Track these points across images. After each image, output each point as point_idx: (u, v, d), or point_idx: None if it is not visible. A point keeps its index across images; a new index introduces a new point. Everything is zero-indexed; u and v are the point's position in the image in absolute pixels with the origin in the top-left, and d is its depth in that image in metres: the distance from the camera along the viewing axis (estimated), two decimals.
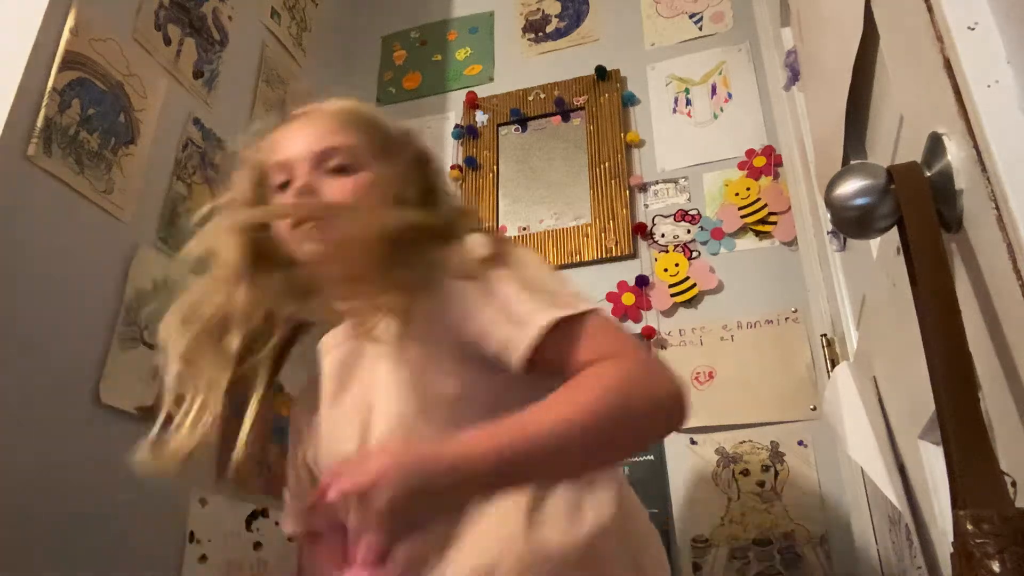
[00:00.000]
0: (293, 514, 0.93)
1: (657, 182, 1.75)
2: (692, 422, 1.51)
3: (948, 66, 0.52)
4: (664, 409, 0.70)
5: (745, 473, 1.45)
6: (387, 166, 0.84)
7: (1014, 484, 0.45)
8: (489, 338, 0.73)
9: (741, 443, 1.47)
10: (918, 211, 0.53)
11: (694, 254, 1.65)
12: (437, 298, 0.76)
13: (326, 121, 0.85)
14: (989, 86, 0.48)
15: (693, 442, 1.50)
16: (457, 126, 1.98)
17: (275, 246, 0.83)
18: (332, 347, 0.85)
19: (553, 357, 0.71)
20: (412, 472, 0.64)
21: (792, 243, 1.58)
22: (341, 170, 0.81)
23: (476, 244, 0.78)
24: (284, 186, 0.83)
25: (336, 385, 0.84)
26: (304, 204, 0.80)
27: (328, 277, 0.81)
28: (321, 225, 0.79)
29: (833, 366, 1.26)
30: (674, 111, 1.81)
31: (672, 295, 1.61)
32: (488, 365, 0.73)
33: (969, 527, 0.43)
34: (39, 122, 1.13)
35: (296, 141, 0.84)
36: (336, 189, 0.80)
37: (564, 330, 0.70)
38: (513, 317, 0.72)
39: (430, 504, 0.66)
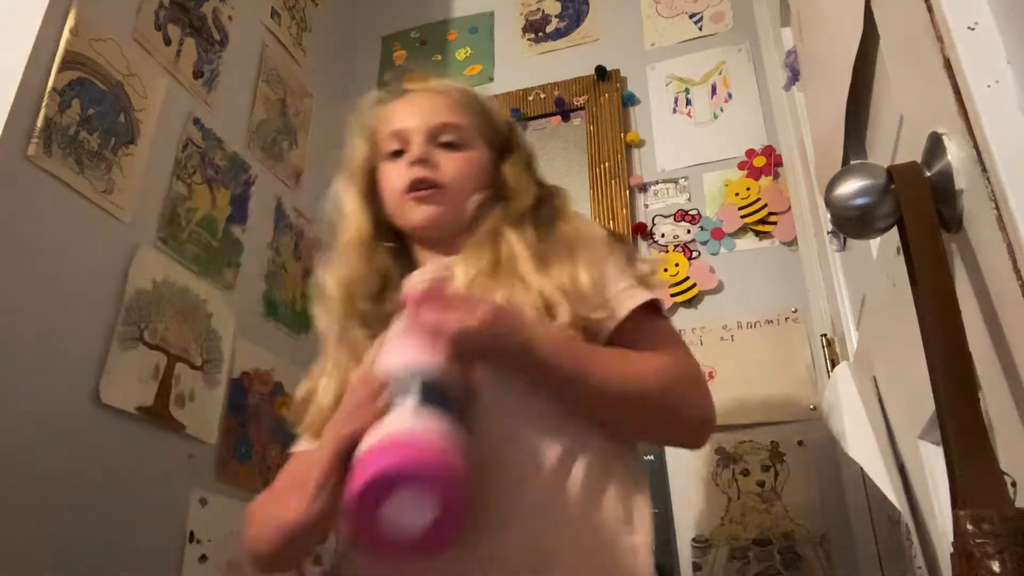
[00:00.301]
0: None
1: (657, 182, 1.75)
2: None
3: (948, 66, 0.52)
4: (690, 401, 0.79)
5: (745, 473, 1.45)
6: (491, 149, 0.93)
7: (1014, 484, 0.45)
8: (597, 299, 0.80)
9: (741, 443, 1.47)
10: (918, 211, 0.53)
11: (694, 254, 1.65)
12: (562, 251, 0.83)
13: (442, 98, 0.92)
14: (989, 86, 0.48)
15: None
16: None
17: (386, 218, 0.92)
18: (419, 280, 0.88)
19: (635, 335, 0.80)
20: (503, 320, 0.71)
21: (792, 243, 1.58)
22: (451, 146, 0.89)
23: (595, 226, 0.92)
24: (396, 154, 0.90)
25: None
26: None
27: (431, 243, 0.90)
28: (433, 193, 0.87)
29: (833, 366, 1.26)
30: (674, 111, 1.81)
31: (672, 295, 1.61)
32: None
33: (969, 527, 0.43)
34: (39, 122, 1.13)
35: (413, 113, 0.91)
36: (448, 162, 0.88)
37: (652, 315, 0.81)
38: (623, 284, 0.82)
39: (492, 350, 0.71)
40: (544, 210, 0.90)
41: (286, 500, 0.73)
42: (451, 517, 0.60)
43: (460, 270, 0.84)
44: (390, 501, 0.58)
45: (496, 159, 0.93)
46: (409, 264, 0.93)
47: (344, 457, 0.65)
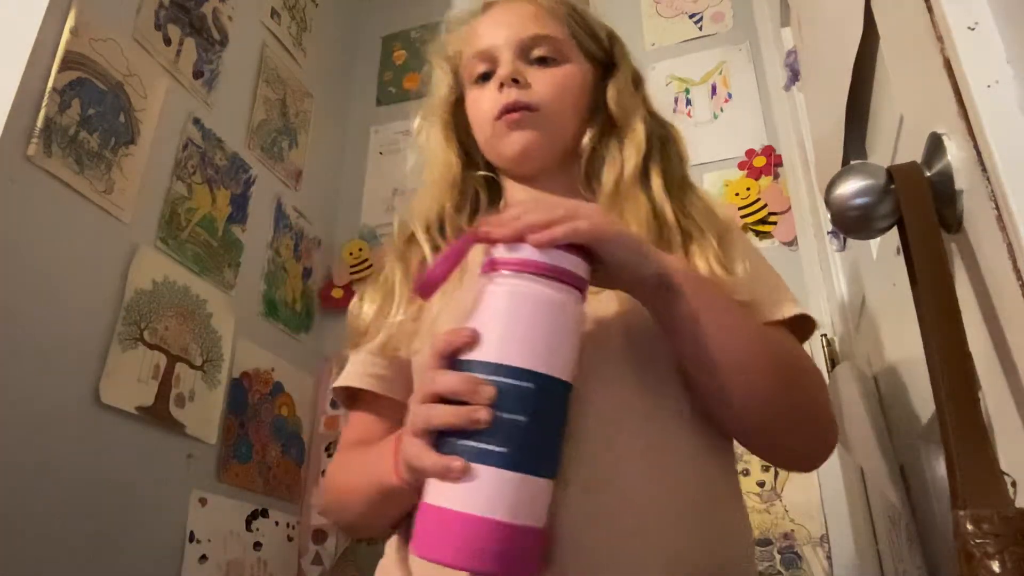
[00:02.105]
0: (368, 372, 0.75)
1: None
2: None
3: (948, 66, 0.52)
4: (821, 422, 0.65)
5: (745, 473, 1.44)
6: (592, 63, 0.80)
7: (1014, 484, 0.45)
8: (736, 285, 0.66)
9: None
10: (918, 211, 0.53)
11: None
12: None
13: (531, 7, 0.79)
14: (989, 86, 0.48)
15: None
16: None
17: (474, 148, 0.80)
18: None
19: None
20: (623, 230, 0.58)
21: (792, 243, 1.58)
22: (546, 61, 0.77)
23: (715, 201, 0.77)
24: (484, 78, 0.78)
25: None
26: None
27: (527, 176, 0.78)
28: (528, 117, 0.74)
29: (833, 366, 1.26)
30: (674, 111, 1.81)
31: None
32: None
33: (969, 527, 0.43)
34: (39, 122, 1.13)
35: (499, 28, 0.78)
36: (542, 80, 0.75)
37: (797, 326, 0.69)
38: (771, 289, 0.70)
39: (625, 261, 0.56)
40: (669, 162, 0.77)
41: (352, 508, 0.69)
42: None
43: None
44: None
45: (599, 75, 0.80)
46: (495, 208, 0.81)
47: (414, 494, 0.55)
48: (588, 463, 0.59)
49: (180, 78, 1.48)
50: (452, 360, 0.53)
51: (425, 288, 0.54)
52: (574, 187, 0.77)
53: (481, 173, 0.81)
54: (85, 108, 1.23)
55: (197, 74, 1.53)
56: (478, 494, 0.49)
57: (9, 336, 1.06)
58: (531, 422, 0.50)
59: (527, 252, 0.52)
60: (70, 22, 1.21)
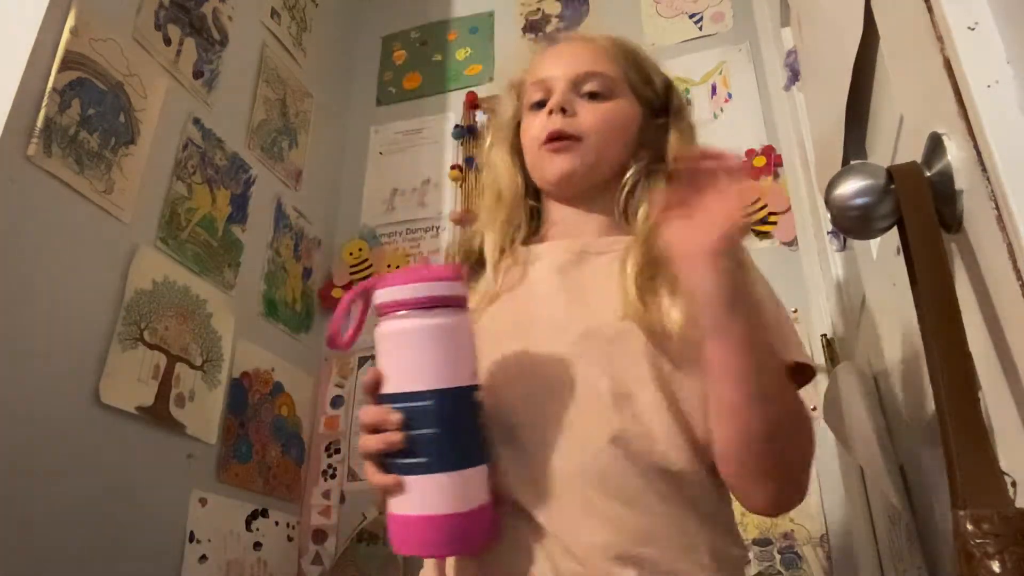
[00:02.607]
0: None
1: None
2: None
3: (948, 66, 0.52)
4: (802, 474, 0.69)
5: None
6: (641, 105, 0.85)
7: (1014, 484, 0.45)
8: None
9: None
10: (918, 211, 0.53)
11: None
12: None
13: (589, 46, 0.86)
14: (989, 86, 0.48)
15: None
16: (457, 126, 1.98)
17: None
18: (548, 252, 0.83)
19: None
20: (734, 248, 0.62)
21: (792, 243, 1.58)
22: (596, 96, 0.83)
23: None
24: (539, 105, 0.84)
25: (553, 283, 0.79)
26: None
27: (567, 199, 0.84)
28: (570, 145, 0.80)
29: (833, 366, 1.26)
30: None
31: None
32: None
33: (969, 527, 0.43)
34: (39, 122, 1.13)
35: (557, 62, 0.86)
36: (589, 112, 0.82)
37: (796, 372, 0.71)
38: (785, 334, 0.73)
39: (726, 266, 0.62)
40: None
41: None
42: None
43: (619, 259, 0.76)
44: None
45: (648, 117, 0.86)
46: (537, 228, 0.88)
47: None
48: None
49: (180, 78, 1.48)
50: (376, 396, 0.63)
51: (329, 341, 0.66)
52: (610, 214, 0.83)
53: (531, 203, 0.88)
54: (85, 108, 1.23)
55: (197, 74, 1.53)
56: (415, 499, 0.61)
57: (9, 336, 1.06)
58: (441, 430, 0.61)
59: (397, 293, 0.62)
60: (70, 22, 1.21)
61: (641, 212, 0.79)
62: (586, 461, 0.67)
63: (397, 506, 0.61)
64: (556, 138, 0.80)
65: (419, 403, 0.61)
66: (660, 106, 0.87)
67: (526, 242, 0.85)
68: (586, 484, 0.67)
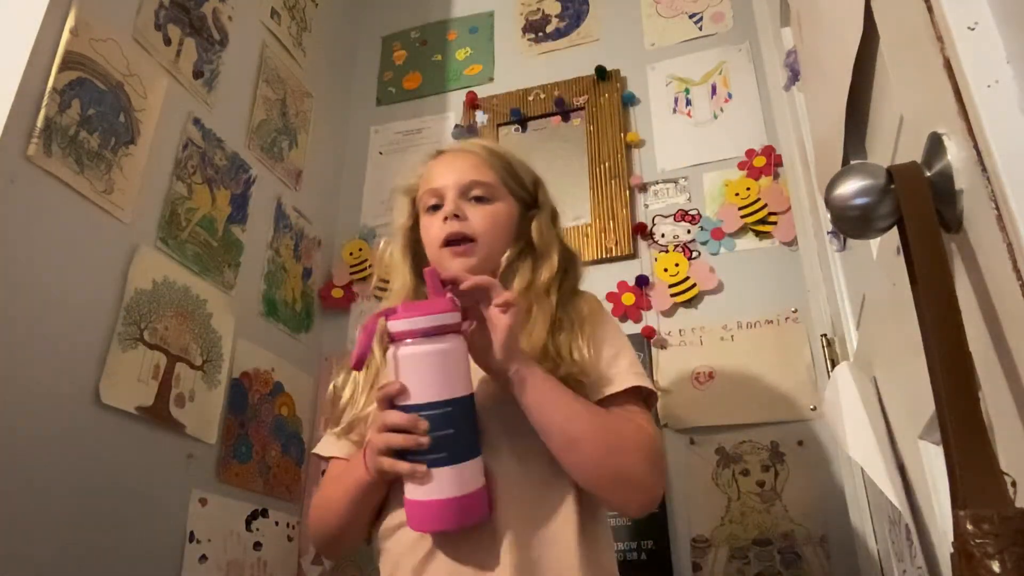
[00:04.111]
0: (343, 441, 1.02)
1: (657, 182, 1.75)
2: (692, 422, 1.51)
3: (948, 66, 0.52)
4: (640, 471, 0.86)
5: (745, 473, 1.45)
6: (517, 202, 1.04)
7: (1014, 484, 0.45)
8: (596, 368, 0.93)
9: (741, 443, 1.47)
10: (918, 211, 0.53)
11: (694, 254, 1.65)
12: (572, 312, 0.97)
13: (471, 158, 1.04)
14: (989, 86, 0.48)
15: (693, 442, 1.50)
16: (457, 126, 1.98)
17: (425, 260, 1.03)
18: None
19: (609, 405, 0.91)
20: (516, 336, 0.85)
21: (792, 243, 1.58)
22: (481, 200, 1.00)
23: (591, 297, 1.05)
24: (434, 208, 1.01)
25: None
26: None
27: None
28: (468, 247, 0.98)
29: (833, 366, 1.26)
30: (674, 111, 1.81)
31: (672, 295, 1.61)
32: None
33: (969, 527, 0.43)
34: (39, 122, 1.13)
35: (446, 172, 1.02)
36: (478, 215, 0.99)
37: (631, 396, 0.92)
38: (619, 367, 0.94)
39: (506, 353, 0.83)
40: (569, 277, 1.02)
41: (336, 511, 0.92)
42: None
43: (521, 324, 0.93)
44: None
45: (523, 212, 1.04)
46: None
47: (383, 485, 0.87)
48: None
49: (180, 78, 1.48)
50: (391, 404, 0.80)
51: (357, 364, 0.80)
52: None
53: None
54: (85, 108, 1.23)
55: (197, 74, 1.53)
56: (434, 486, 0.77)
57: (9, 336, 1.06)
58: (455, 431, 0.78)
59: (414, 324, 0.78)
60: (70, 22, 1.21)
61: (515, 285, 0.97)
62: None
63: (417, 493, 0.78)
64: (455, 241, 0.98)
65: (439, 411, 0.77)
66: (531, 201, 1.06)
67: None
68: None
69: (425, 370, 0.78)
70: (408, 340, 0.79)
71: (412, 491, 0.79)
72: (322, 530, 0.95)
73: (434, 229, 1.00)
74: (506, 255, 1.00)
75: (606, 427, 0.86)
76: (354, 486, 0.88)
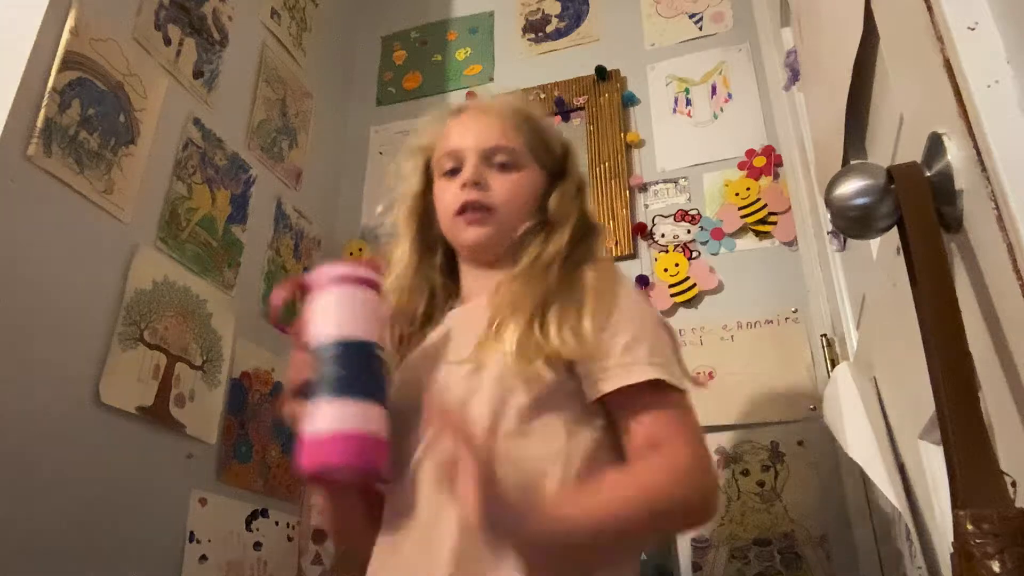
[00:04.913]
0: None
1: (657, 182, 1.75)
2: None
3: (948, 66, 0.52)
4: (694, 513, 0.76)
5: (745, 473, 1.45)
6: (543, 171, 0.94)
7: (1014, 484, 0.45)
8: (595, 362, 0.78)
9: (741, 443, 1.47)
10: (918, 211, 0.53)
11: (694, 254, 1.65)
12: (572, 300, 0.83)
13: (497, 120, 0.93)
14: (989, 86, 0.48)
15: None
16: None
17: (437, 234, 0.96)
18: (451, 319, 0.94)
19: (623, 405, 0.78)
20: (497, 514, 0.65)
21: (792, 243, 1.58)
22: (504, 166, 0.91)
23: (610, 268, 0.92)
24: (451, 173, 0.92)
25: (446, 338, 0.90)
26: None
27: (477, 261, 0.93)
28: (484, 216, 0.89)
29: (833, 366, 1.26)
30: (674, 111, 1.81)
31: (672, 295, 1.61)
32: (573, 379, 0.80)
33: (969, 527, 0.43)
34: (39, 122, 1.13)
35: (468, 133, 0.93)
36: (500, 184, 0.90)
37: (657, 393, 0.77)
38: (625, 357, 0.78)
39: (497, 533, 0.67)
40: (580, 249, 0.90)
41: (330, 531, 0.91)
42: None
43: (489, 311, 0.85)
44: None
45: (550, 182, 0.94)
46: (455, 281, 0.97)
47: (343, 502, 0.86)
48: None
49: (180, 78, 1.48)
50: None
51: (271, 319, 0.81)
52: (511, 269, 0.90)
53: (437, 263, 0.98)
54: (85, 108, 1.23)
55: (197, 74, 1.53)
56: (326, 418, 0.73)
57: (9, 336, 1.06)
58: (341, 367, 0.75)
59: (318, 274, 0.79)
60: (70, 22, 1.21)
61: (523, 258, 0.88)
62: None
63: (310, 426, 0.73)
64: (470, 209, 0.89)
65: (330, 351, 0.75)
66: (559, 170, 0.96)
67: (452, 303, 0.95)
68: None
69: (319, 313, 0.78)
70: (317, 290, 0.79)
71: (306, 427, 0.75)
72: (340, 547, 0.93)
73: (449, 195, 0.91)
74: (523, 227, 0.91)
75: (645, 497, 0.72)
76: (327, 512, 0.89)
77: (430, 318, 0.95)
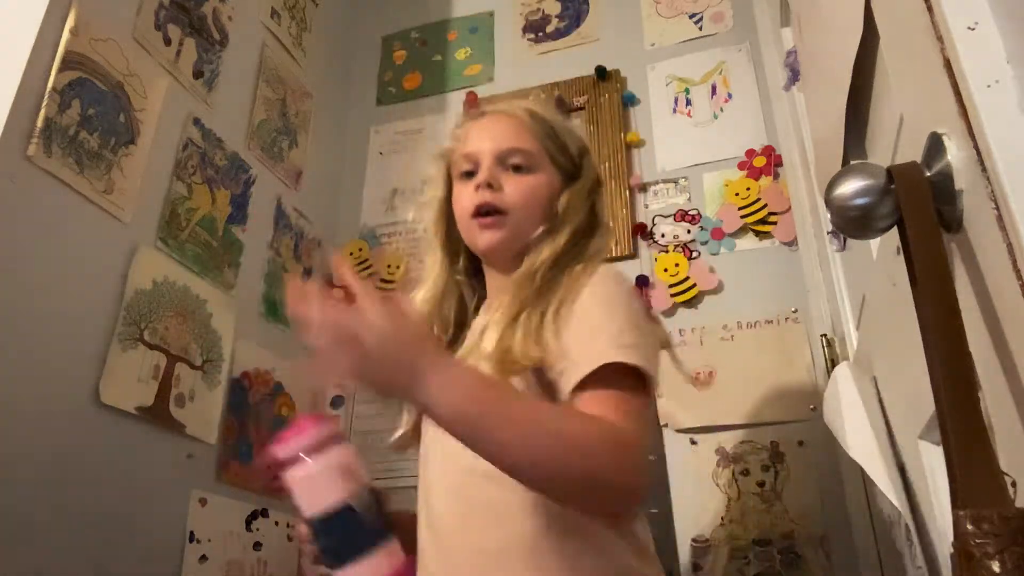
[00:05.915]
0: None
1: (657, 182, 1.75)
2: (692, 422, 1.51)
3: (948, 66, 0.52)
4: (599, 480, 0.68)
5: (745, 473, 1.45)
6: (560, 173, 0.94)
7: (1014, 484, 0.45)
8: (563, 360, 0.77)
9: (741, 443, 1.47)
10: (918, 211, 0.53)
11: (694, 254, 1.65)
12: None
13: (512, 122, 0.94)
14: (989, 86, 0.48)
15: (693, 442, 1.50)
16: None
17: (460, 238, 0.95)
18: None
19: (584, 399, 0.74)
20: (397, 347, 0.65)
21: (792, 243, 1.58)
22: (520, 169, 0.91)
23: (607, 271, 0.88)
24: (468, 175, 0.93)
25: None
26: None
27: (496, 265, 0.94)
28: (498, 220, 0.89)
29: (833, 366, 1.26)
30: (674, 111, 1.81)
31: (672, 295, 1.61)
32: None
33: (969, 527, 0.43)
34: (39, 122, 1.13)
35: (484, 136, 0.94)
36: (514, 186, 0.90)
37: (603, 376, 0.73)
38: (579, 353, 0.75)
39: (380, 376, 0.66)
40: (574, 250, 0.88)
41: None
42: None
43: (494, 315, 0.86)
44: None
45: (566, 185, 0.93)
46: (482, 283, 0.98)
47: None
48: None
49: (180, 78, 1.48)
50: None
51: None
52: None
53: (462, 268, 0.99)
54: (85, 108, 1.23)
55: (197, 74, 1.53)
56: None
57: (9, 336, 1.06)
58: (333, 537, 0.76)
59: (282, 451, 0.76)
60: (70, 22, 1.21)
61: (525, 262, 0.87)
62: None
63: None
64: (484, 212, 0.89)
65: (319, 524, 0.77)
66: (575, 171, 0.95)
67: (477, 305, 0.97)
68: None
69: (295, 492, 0.79)
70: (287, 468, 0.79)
71: None
72: None
73: (465, 198, 0.92)
74: (538, 231, 0.89)
75: (563, 431, 0.68)
76: None
77: (463, 325, 0.96)
